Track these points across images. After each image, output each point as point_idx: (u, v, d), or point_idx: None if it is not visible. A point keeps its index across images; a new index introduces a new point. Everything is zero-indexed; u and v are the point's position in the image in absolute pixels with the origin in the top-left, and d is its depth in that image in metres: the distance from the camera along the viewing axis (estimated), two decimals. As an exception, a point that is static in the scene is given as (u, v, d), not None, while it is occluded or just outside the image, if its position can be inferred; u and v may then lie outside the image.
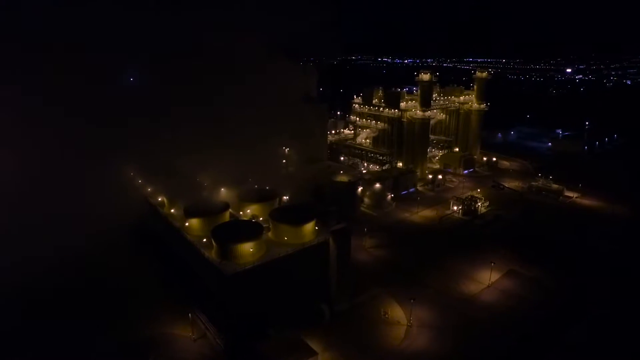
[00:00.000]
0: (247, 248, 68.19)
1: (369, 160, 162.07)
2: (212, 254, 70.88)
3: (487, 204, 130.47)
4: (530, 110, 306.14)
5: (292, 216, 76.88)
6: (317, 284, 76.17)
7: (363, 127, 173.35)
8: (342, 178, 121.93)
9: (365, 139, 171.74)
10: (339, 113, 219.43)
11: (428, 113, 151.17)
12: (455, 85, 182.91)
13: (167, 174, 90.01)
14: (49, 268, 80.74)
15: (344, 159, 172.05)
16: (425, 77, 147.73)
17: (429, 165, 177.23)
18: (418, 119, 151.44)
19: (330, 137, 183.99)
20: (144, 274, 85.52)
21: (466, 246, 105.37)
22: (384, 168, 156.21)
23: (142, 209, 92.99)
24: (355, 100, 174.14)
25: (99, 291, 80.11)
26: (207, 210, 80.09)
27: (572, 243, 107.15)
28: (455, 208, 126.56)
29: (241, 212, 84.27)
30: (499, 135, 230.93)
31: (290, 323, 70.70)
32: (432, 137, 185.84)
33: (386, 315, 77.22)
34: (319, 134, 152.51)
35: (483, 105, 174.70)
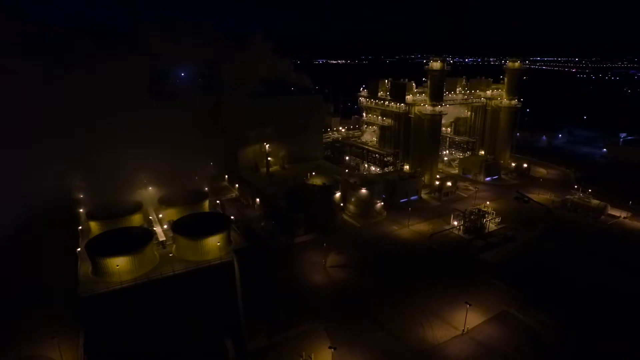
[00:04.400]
0: (114, 264, 53.88)
1: (370, 161, 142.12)
2: (87, 269, 57.62)
3: (498, 219, 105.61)
4: (591, 111, 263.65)
5: (193, 227, 61.39)
6: (220, 315, 60.17)
7: (369, 123, 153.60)
8: (316, 181, 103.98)
9: (370, 136, 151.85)
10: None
11: (439, 108, 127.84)
12: (483, 78, 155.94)
13: (93, 170, 77.35)
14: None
15: (348, 159, 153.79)
16: (436, 65, 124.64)
17: (448, 169, 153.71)
18: (427, 114, 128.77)
19: (336, 135, 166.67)
20: (40, 281, 75.00)
21: (453, 274, 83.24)
22: (385, 170, 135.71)
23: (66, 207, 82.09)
24: (361, 93, 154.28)
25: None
26: (110, 213, 67.17)
27: (601, 282, 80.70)
28: (455, 223, 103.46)
29: (150, 217, 70.36)
30: (543, 137, 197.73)
31: (181, 361, 56.34)
32: (456, 138, 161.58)
33: (307, 363, 59.24)
34: (312, 129, 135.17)
35: (515, 102, 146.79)
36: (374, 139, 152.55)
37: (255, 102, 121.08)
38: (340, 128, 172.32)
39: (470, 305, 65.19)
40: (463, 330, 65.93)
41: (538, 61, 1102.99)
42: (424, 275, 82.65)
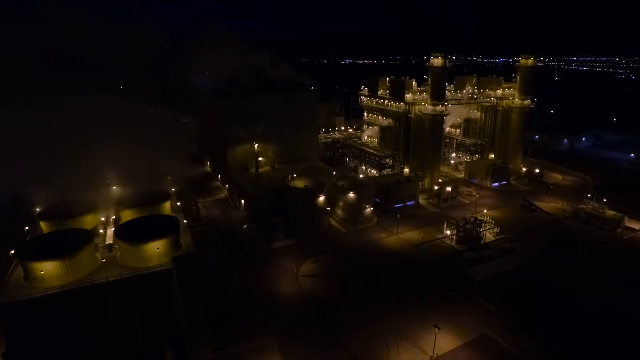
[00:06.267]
0: (39, 269, 50.49)
1: (368, 163, 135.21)
2: (21, 273, 54.68)
3: (496, 230, 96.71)
4: (623, 113, 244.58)
5: (135, 232, 57.40)
6: (159, 325, 55.91)
7: (369, 123, 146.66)
8: (298, 183, 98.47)
9: (370, 137, 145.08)
10: None
11: (440, 108, 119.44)
12: (494, 76, 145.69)
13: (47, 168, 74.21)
14: None
15: (348, 160, 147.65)
16: (437, 62, 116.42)
17: (454, 173, 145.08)
18: (428, 114, 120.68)
19: (338, 135, 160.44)
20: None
21: (435, 289, 75.79)
22: (383, 173, 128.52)
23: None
24: (362, 92, 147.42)
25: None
26: (61, 214, 64.39)
27: (606, 305, 71.10)
28: (448, 232, 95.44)
29: (102, 218, 67.01)
30: (565, 141, 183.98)
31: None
32: (466, 140, 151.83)
33: (250, 385, 54.01)
34: (306, 128, 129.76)
35: (527, 102, 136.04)
36: (375, 139, 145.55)
37: (242, 99, 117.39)
38: (345, 128, 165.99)
39: (439, 328, 57.79)
40: (432, 356, 58.73)
41: (574, 61, 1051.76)
42: (402, 290, 75.59)
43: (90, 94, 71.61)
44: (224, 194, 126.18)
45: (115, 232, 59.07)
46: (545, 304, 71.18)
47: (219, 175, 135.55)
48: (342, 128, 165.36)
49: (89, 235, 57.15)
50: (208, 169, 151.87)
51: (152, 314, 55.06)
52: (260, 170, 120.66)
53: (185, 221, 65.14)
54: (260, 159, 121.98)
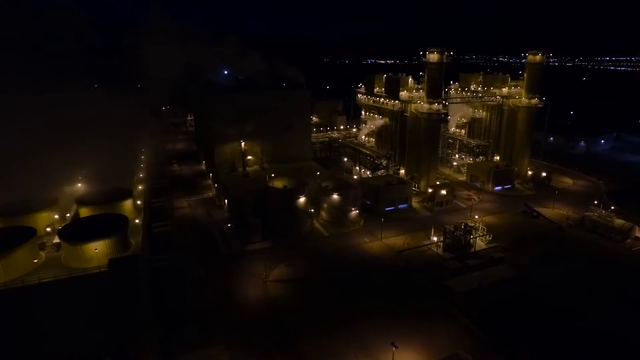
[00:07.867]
0: (-37, 270, 48.30)
1: (362, 163, 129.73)
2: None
3: (489, 237, 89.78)
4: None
5: (77, 231, 54.67)
6: (98, 330, 52.84)
7: (366, 122, 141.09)
8: (277, 183, 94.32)
9: (367, 136, 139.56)
10: None
11: (436, 106, 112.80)
12: (500, 74, 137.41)
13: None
14: None
15: (345, 160, 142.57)
16: (433, 57, 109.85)
17: (456, 175, 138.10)
18: (424, 113, 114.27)
19: (336, 134, 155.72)
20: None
21: (410, 301, 70.09)
22: (377, 174, 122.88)
23: None
24: (359, 89, 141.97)
25: None
26: (11, 211, 62.63)
27: (602, 325, 63.76)
28: (434, 239, 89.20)
29: (56, 216, 64.67)
30: (582, 143, 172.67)
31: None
32: (471, 141, 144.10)
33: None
34: (298, 127, 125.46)
35: (535, 101, 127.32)
36: (372, 139, 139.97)
37: (229, 97, 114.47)
38: (346, 127, 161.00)
39: (396, 347, 52.27)
40: (390, 375, 53.46)
41: (605, 61, 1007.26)
42: (374, 300, 70.16)
43: (57, 90, 69.94)
44: (212, 193, 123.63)
45: (58, 231, 56.61)
46: (530, 322, 64.36)
47: (210, 174, 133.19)
48: (342, 127, 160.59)
49: (29, 234, 54.75)
50: (203, 167, 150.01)
51: (89, 317, 52.08)
52: (249, 169, 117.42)
53: (138, 221, 62.05)
54: (249, 157, 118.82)
